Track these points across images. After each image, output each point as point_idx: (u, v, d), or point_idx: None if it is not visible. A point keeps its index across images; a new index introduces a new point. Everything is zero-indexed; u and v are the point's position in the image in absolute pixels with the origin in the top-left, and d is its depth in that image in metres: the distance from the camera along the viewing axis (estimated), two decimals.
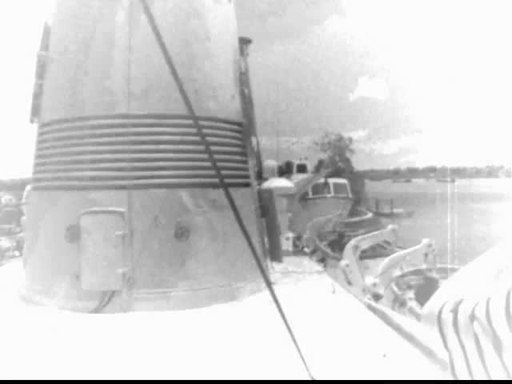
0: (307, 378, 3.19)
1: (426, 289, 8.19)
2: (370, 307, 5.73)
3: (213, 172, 4.47)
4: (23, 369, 4.06)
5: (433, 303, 1.31)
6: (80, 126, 6.08)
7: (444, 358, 1.25)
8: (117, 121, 5.97)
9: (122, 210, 5.74)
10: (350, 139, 45.36)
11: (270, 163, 12.70)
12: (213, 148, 5.42)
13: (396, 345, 4.39)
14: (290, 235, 9.77)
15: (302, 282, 7.13)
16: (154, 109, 6.02)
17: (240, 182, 6.74)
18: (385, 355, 4.05)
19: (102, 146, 5.96)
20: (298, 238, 11.40)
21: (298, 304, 5.54)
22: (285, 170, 25.24)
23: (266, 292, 3.35)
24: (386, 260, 8.84)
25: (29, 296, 6.15)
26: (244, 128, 7.11)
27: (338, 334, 4.75)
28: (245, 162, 7.05)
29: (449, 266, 9.45)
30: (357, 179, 38.38)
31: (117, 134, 5.95)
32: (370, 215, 30.56)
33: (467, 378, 1.16)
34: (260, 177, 10.92)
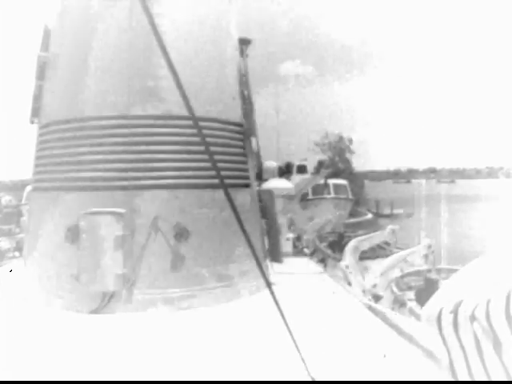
0: (307, 378, 3.19)
1: (425, 290, 8.18)
2: (370, 308, 5.73)
3: (213, 173, 4.48)
4: (24, 369, 4.06)
5: (433, 304, 1.31)
6: (80, 126, 6.08)
7: (444, 359, 1.26)
8: (117, 121, 5.98)
9: (122, 210, 5.74)
10: (350, 140, 45.46)
11: (270, 164, 12.67)
12: (213, 149, 5.44)
13: (396, 345, 4.40)
14: (290, 236, 9.78)
15: (302, 283, 7.13)
16: (155, 110, 6.03)
17: (240, 182, 6.74)
18: (385, 356, 4.05)
19: (102, 147, 5.97)
20: (298, 238, 11.41)
21: (298, 305, 5.53)
22: (285, 171, 25.19)
23: (266, 292, 3.35)
24: (386, 261, 8.85)
25: (29, 297, 6.15)
26: (244, 129, 7.11)
27: (338, 334, 4.75)
28: (245, 162, 7.05)
29: (447, 266, 9.46)
30: (357, 180, 38.46)
31: (117, 135, 5.95)
32: (369, 216, 30.63)
33: (467, 378, 1.16)
34: (260, 178, 10.92)
